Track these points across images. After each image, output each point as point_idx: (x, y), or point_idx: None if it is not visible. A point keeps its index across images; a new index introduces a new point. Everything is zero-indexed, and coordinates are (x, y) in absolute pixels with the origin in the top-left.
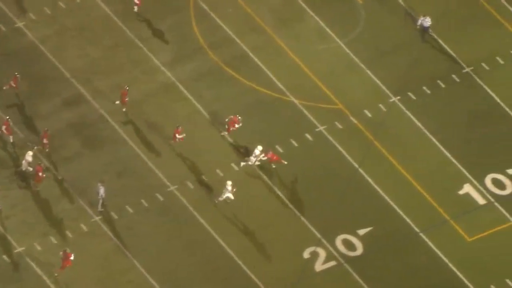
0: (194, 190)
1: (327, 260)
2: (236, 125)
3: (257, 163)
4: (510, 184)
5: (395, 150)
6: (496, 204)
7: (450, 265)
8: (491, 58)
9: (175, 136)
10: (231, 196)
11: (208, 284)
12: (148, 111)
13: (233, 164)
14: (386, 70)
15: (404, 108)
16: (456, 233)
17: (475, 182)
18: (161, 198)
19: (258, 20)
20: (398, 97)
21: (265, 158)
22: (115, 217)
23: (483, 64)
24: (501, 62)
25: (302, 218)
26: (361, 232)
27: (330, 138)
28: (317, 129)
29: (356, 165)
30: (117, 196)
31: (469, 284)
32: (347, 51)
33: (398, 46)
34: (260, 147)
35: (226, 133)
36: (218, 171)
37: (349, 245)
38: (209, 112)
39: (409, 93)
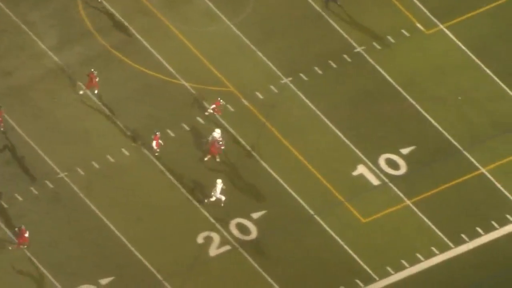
0: (84, 176)
1: (221, 244)
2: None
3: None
4: (404, 164)
5: (287, 132)
6: (390, 184)
7: (345, 247)
8: (383, 37)
9: (158, 143)
10: (222, 198)
11: (101, 271)
12: (36, 97)
13: (123, 149)
14: (277, 51)
15: (295, 89)
16: (351, 214)
17: (368, 163)
18: (51, 185)
19: (145, 2)
20: (290, 78)
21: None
22: (5, 206)
23: (375, 44)
24: (392, 41)
25: (195, 203)
26: (255, 215)
27: (222, 121)
28: (208, 112)
29: (249, 148)
30: (5, 184)
31: (364, 266)
32: (237, 32)
33: (288, 26)
34: (218, 130)
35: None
36: (108, 156)
37: (243, 229)
38: (98, 97)
39: (301, 74)
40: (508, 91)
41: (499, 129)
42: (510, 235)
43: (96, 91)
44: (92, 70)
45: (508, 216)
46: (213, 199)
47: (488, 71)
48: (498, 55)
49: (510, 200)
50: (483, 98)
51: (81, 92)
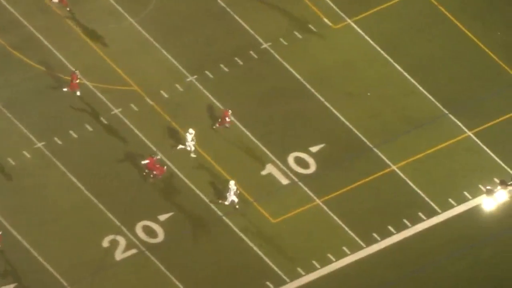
0: None
1: (127, 248)
2: (227, 119)
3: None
4: (314, 162)
5: (194, 132)
6: (300, 183)
7: (255, 248)
8: (290, 33)
9: (154, 167)
10: (235, 199)
11: (2, 279)
12: None
13: (25, 152)
14: (182, 49)
15: (201, 87)
16: (260, 215)
17: (277, 161)
18: None
19: (45, 0)
20: (195, 76)
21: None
22: None
23: (282, 40)
24: (300, 36)
25: (100, 206)
26: (162, 218)
27: (126, 121)
28: (112, 112)
29: (155, 148)
30: None
31: (275, 268)
32: (140, 29)
33: (192, 23)
34: (191, 130)
35: (217, 125)
36: (9, 159)
37: (150, 232)
38: None
39: (206, 72)
40: (418, 86)
41: (410, 125)
42: (422, 233)
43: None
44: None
45: (420, 214)
46: (227, 202)
47: (397, 66)
48: (407, 50)
49: (422, 198)
50: (393, 93)
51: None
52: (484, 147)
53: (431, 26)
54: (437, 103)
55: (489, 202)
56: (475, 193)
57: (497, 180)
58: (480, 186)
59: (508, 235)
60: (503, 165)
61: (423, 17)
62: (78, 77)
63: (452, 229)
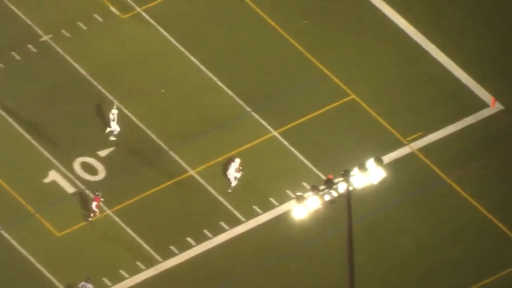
0: None
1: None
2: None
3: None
4: (103, 168)
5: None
6: (87, 191)
7: (38, 265)
8: (73, 23)
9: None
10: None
11: None
12: None
13: None
14: None
15: None
16: (43, 228)
17: (61, 168)
18: None
19: None
20: None
21: None
22: None
23: (64, 31)
24: (84, 27)
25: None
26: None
27: None
28: None
29: None
30: None
31: (59, 285)
32: None
33: None
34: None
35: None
36: None
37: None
38: None
39: None
40: (217, 81)
41: (209, 125)
42: (225, 245)
43: None
44: None
45: (222, 224)
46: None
47: (193, 59)
48: (204, 41)
49: (223, 205)
50: (189, 90)
51: None
52: (292, 149)
53: (230, 15)
54: (239, 100)
55: (300, 210)
56: (282, 200)
57: (306, 185)
58: (288, 191)
59: (319, 245)
60: (312, 168)
61: (221, 4)
62: None
63: (257, 239)
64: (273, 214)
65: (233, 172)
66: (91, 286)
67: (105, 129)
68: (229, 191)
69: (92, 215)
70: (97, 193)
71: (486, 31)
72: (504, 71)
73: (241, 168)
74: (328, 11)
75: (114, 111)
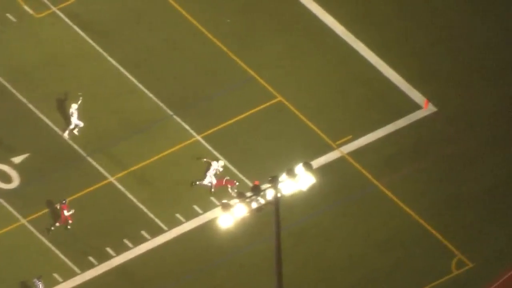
0: None
1: None
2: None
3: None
4: (17, 175)
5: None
6: (1, 200)
7: None
8: None
9: (63, 213)
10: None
11: None
12: None
13: None
14: None
15: None
16: None
17: None
18: None
19: None
20: None
21: None
22: None
23: None
24: None
25: None
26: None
27: None
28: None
29: None
30: None
31: None
32: None
33: None
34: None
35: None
36: None
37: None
38: None
39: None
40: (138, 84)
41: (129, 129)
42: (146, 255)
43: None
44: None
45: (144, 233)
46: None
47: (112, 61)
48: (123, 42)
49: (145, 214)
50: (108, 93)
51: None
52: (216, 153)
53: (151, 14)
54: (160, 103)
55: (226, 218)
56: (207, 207)
57: (232, 193)
58: (213, 198)
59: (246, 255)
60: (238, 174)
61: (141, 3)
62: None
63: (181, 249)
64: (197, 222)
65: (211, 174)
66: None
67: (68, 127)
68: (196, 183)
69: (70, 221)
70: (63, 201)
71: (418, 31)
72: (437, 72)
73: (220, 171)
74: (253, 9)
75: (74, 106)
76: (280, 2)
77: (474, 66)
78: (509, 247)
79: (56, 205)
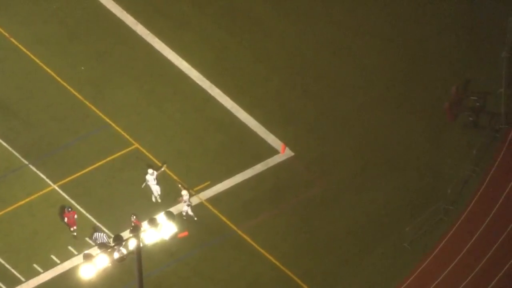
0: None
1: None
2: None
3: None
4: None
5: None
6: None
7: None
8: None
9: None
10: (189, 211)
11: None
12: None
13: None
14: None
15: None
16: None
17: None
18: None
19: None
20: None
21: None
22: None
23: None
24: None
25: None
26: None
27: None
28: None
29: None
30: None
31: None
32: None
33: None
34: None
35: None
36: None
37: None
38: None
39: None
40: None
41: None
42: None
43: None
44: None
45: (0, 285)
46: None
47: None
48: None
49: (1, 265)
50: None
51: None
52: (73, 202)
53: (5, 62)
54: (15, 152)
55: (88, 269)
56: (65, 256)
57: (89, 241)
58: (70, 248)
59: None
60: (96, 223)
61: None
62: None
63: None
64: (56, 272)
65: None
66: (104, 235)
67: None
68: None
69: (75, 227)
70: (69, 208)
71: (273, 75)
72: (293, 116)
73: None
74: (108, 56)
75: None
76: (135, 49)
77: (329, 111)
78: None
79: None
